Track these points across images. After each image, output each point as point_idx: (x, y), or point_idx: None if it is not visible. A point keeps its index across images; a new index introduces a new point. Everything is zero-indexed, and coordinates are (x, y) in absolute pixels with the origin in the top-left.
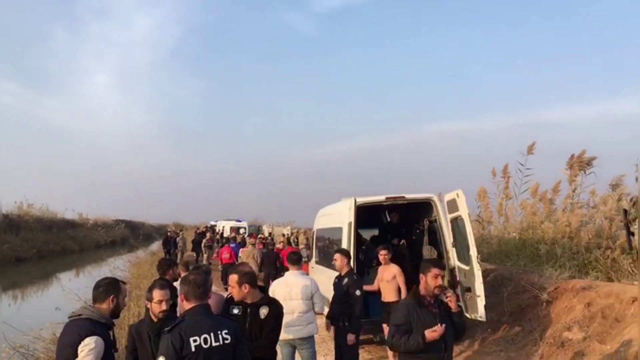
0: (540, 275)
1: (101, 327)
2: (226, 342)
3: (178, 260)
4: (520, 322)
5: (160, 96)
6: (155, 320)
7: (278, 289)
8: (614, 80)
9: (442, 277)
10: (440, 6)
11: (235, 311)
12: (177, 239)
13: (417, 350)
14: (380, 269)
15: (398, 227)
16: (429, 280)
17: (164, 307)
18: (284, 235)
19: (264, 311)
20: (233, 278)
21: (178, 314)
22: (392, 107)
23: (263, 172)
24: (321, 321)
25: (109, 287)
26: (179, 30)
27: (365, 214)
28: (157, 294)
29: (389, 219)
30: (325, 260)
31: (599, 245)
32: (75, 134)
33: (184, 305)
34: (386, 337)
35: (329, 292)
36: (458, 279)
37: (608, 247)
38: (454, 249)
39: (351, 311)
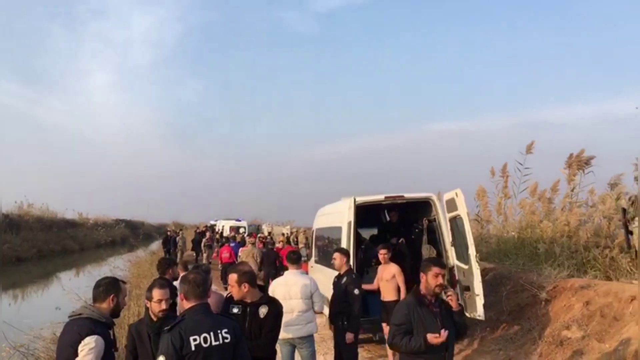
0: (539, 274)
1: (101, 326)
2: (226, 341)
3: (178, 260)
4: (519, 321)
5: (160, 96)
6: (154, 319)
7: (277, 288)
8: (613, 80)
9: (443, 276)
10: (440, 6)
11: (235, 310)
12: (177, 238)
13: (419, 352)
14: (380, 268)
15: (397, 226)
16: (430, 279)
17: (163, 306)
18: (283, 234)
19: (263, 310)
20: (232, 277)
21: (178, 313)
22: (392, 106)
23: (263, 171)
24: (320, 320)
25: (109, 287)
26: (179, 29)
27: (365, 214)
28: (156, 293)
29: (388, 219)
30: (325, 259)
31: (597, 244)
32: (74, 134)
33: (184, 305)
34: (385, 336)
35: (328, 291)
36: (457, 278)
37: (607, 246)
38: (452, 248)
39: (350, 310)
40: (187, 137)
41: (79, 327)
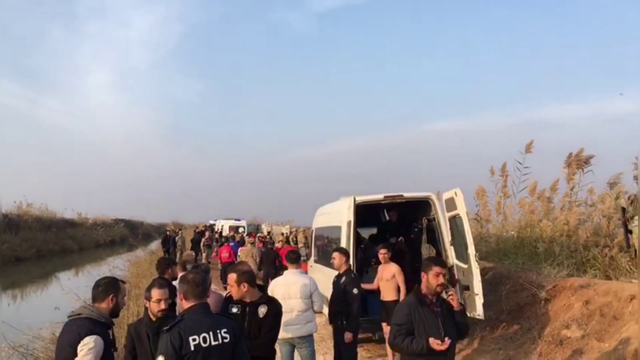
0: (538, 274)
1: (100, 326)
2: (225, 341)
3: (177, 260)
4: (518, 320)
5: (159, 96)
6: (154, 319)
7: (277, 287)
8: (612, 80)
9: (444, 276)
10: (440, 6)
11: (234, 310)
12: (176, 238)
13: (420, 354)
14: (380, 268)
15: (397, 225)
16: (431, 279)
17: (162, 306)
18: (282, 234)
19: (262, 310)
20: (232, 277)
21: (177, 313)
22: (392, 106)
23: (262, 171)
24: (320, 320)
25: (109, 287)
26: (179, 29)
27: (364, 213)
28: (155, 293)
29: (387, 218)
30: (324, 259)
31: (597, 244)
32: (74, 134)
33: (183, 305)
34: (385, 336)
35: (327, 291)
36: (457, 277)
37: (606, 245)
38: (452, 248)
39: (349, 309)
40: (186, 137)
41: (78, 327)
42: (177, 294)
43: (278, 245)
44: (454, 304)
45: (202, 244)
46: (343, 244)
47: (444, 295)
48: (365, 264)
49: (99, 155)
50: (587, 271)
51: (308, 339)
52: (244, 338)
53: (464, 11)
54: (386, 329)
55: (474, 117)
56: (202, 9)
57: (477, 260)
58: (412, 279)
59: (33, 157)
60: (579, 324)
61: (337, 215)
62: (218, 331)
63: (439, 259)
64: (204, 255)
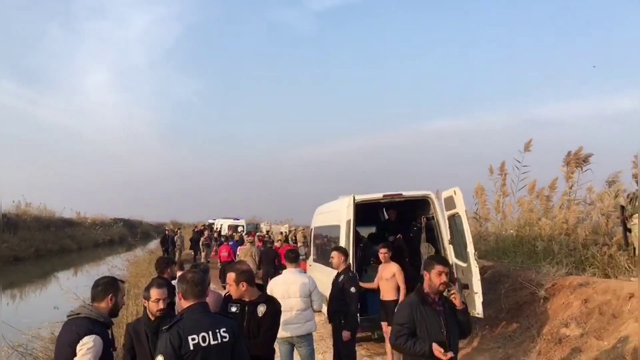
0: (537, 272)
1: (100, 326)
2: (224, 340)
3: (176, 259)
4: (517, 318)
5: (158, 95)
6: (152, 319)
7: (276, 286)
8: (611, 78)
9: (446, 274)
10: (439, 4)
11: (233, 309)
12: (175, 237)
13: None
14: (381, 267)
15: (396, 224)
16: (433, 278)
17: (161, 305)
18: (281, 233)
19: (261, 309)
20: (230, 276)
21: (176, 313)
22: (391, 106)
23: (261, 170)
24: (319, 318)
25: (108, 286)
26: (178, 29)
27: (363, 212)
28: (154, 293)
29: (386, 217)
30: (323, 257)
31: (595, 242)
32: (73, 133)
33: (182, 304)
34: (384, 335)
35: (326, 290)
36: (456, 276)
37: (605, 244)
38: (451, 246)
39: (347, 308)
40: (185, 136)
41: (77, 326)
42: (176, 293)
43: (277, 244)
44: (457, 302)
45: (201, 243)
46: (342, 243)
47: (446, 294)
48: (365, 263)
49: (98, 154)
50: (586, 269)
51: (307, 337)
52: (243, 337)
53: (464, 10)
54: (386, 328)
55: (473, 116)
56: (201, 9)
57: (476, 259)
58: (413, 276)
59: (32, 156)
60: (578, 322)
61: (336, 214)
62: (217, 330)
63: (442, 258)
64: (202, 254)
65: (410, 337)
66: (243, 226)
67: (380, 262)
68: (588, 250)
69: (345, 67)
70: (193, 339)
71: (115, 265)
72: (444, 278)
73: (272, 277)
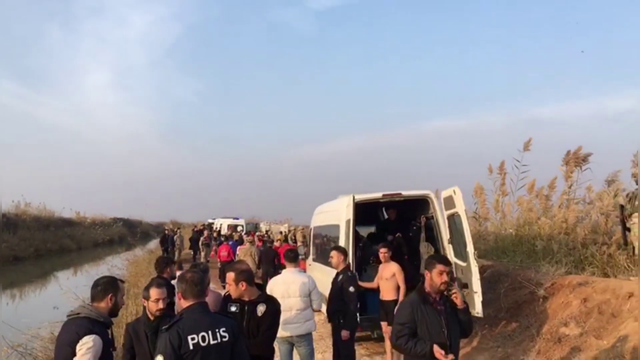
0: (536, 271)
1: (99, 325)
2: (224, 339)
3: (175, 259)
4: (517, 318)
5: (158, 95)
6: (152, 318)
7: (276, 286)
8: (611, 78)
9: (448, 274)
10: (438, 4)
11: (233, 309)
12: (175, 237)
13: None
14: (381, 267)
15: (395, 224)
16: (434, 277)
17: (161, 305)
18: (281, 232)
19: (261, 309)
20: (230, 276)
21: (176, 312)
22: (391, 105)
23: (261, 170)
24: (319, 318)
25: (108, 286)
26: (177, 28)
27: (363, 211)
28: (154, 293)
29: (386, 216)
30: (323, 257)
31: (595, 241)
32: (72, 133)
33: (182, 304)
34: (384, 334)
35: (326, 290)
36: (455, 275)
37: (604, 243)
38: (450, 246)
39: (346, 308)
40: (185, 136)
41: (77, 326)
42: (176, 293)
43: (276, 243)
44: (458, 302)
45: (200, 242)
46: (342, 243)
47: (447, 293)
48: (364, 263)
49: (98, 154)
50: (586, 269)
51: (307, 337)
52: (243, 337)
53: (463, 10)
54: (385, 328)
55: (473, 116)
56: (201, 9)
57: (475, 259)
58: (410, 277)
59: (32, 156)
60: (577, 321)
61: (336, 214)
62: (217, 330)
63: (443, 257)
64: (202, 254)
65: (411, 337)
66: (242, 226)
67: (379, 262)
68: (587, 250)
69: (345, 67)
70: (193, 339)
71: (114, 264)
72: (445, 277)
73: (271, 277)
